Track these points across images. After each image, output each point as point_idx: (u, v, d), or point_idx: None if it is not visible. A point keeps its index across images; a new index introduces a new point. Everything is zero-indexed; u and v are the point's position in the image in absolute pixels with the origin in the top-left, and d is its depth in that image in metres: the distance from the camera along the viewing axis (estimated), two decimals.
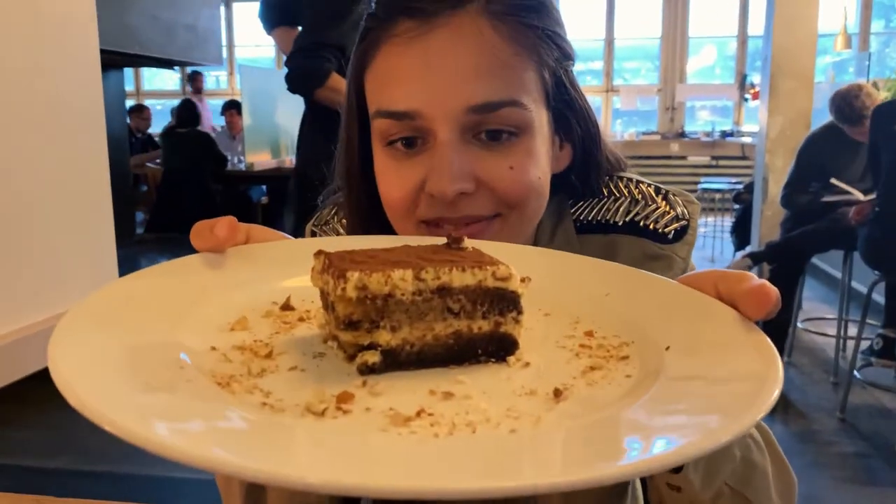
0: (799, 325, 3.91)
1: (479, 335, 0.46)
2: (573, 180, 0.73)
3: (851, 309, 3.73)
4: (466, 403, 0.40)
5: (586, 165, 0.72)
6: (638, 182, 0.75)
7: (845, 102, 3.33)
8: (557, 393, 0.41)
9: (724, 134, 9.19)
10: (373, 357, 0.44)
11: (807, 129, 4.03)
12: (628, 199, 0.73)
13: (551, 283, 0.53)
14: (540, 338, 0.48)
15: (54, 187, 1.00)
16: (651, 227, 0.72)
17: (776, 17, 4.14)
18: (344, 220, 0.78)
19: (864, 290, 3.16)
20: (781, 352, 3.34)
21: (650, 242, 0.71)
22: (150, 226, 5.81)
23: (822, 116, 4.22)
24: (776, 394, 0.37)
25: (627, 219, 0.72)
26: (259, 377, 0.42)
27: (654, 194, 0.74)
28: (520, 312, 0.46)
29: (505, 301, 0.46)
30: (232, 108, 6.83)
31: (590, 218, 0.73)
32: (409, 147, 0.62)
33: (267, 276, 0.53)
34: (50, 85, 0.97)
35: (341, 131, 0.71)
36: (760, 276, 3.01)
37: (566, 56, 0.68)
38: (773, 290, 0.44)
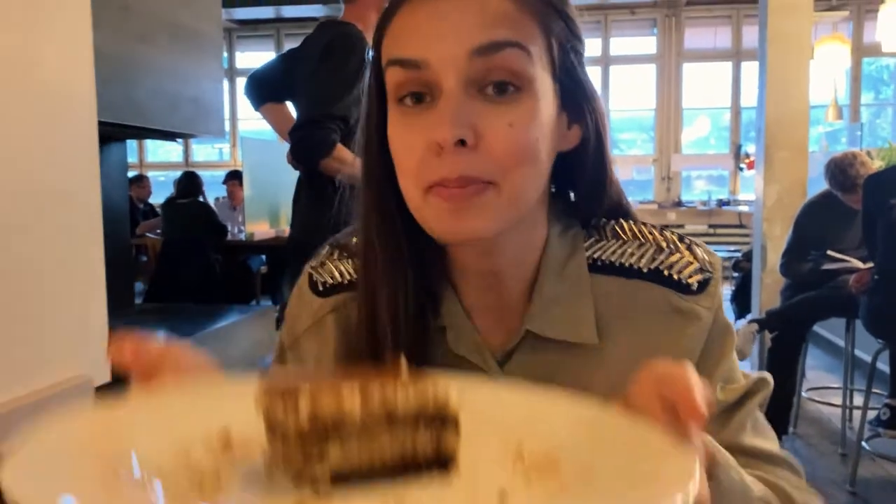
0: (804, 394, 3.86)
1: (421, 452, 0.49)
2: (588, 169, 0.71)
3: (856, 377, 3.69)
4: None
5: (599, 143, 0.70)
6: (662, 229, 0.73)
7: (839, 170, 3.37)
8: (503, 495, 0.44)
9: (721, 203, 9.28)
10: (324, 474, 0.46)
11: (803, 198, 4.06)
12: (654, 247, 0.71)
13: (481, 404, 0.54)
14: (472, 452, 0.51)
15: (46, 262, 0.99)
16: (675, 277, 0.69)
17: (768, 90, 4.23)
18: (338, 262, 0.77)
19: (867, 358, 3.13)
20: (787, 422, 3.30)
21: (674, 293, 0.69)
22: (148, 296, 5.79)
23: (818, 185, 4.26)
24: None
25: (652, 266, 0.70)
26: (215, 493, 0.44)
27: (678, 242, 0.72)
28: (458, 433, 0.50)
29: (445, 422, 0.49)
30: (233, 178, 6.91)
31: (612, 259, 0.71)
32: (418, 102, 0.63)
33: (199, 412, 0.52)
34: (47, 156, 0.97)
35: (363, 105, 0.72)
36: (762, 344, 2.95)
37: (574, 35, 0.68)
38: (704, 397, 0.46)
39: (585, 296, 0.68)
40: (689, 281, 0.69)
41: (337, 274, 0.76)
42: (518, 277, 0.70)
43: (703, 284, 0.69)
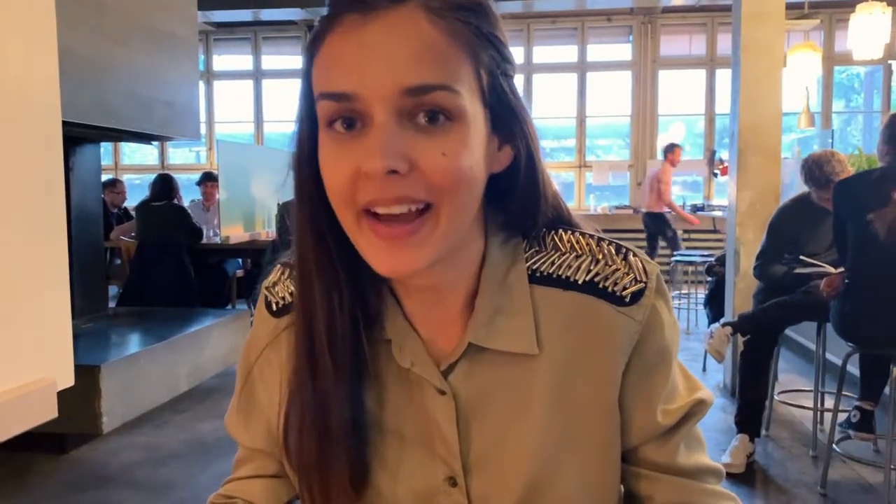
0: (776, 397, 3.91)
1: None
2: (520, 187, 0.71)
3: (827, 381, 3.74)
4: None
5: (531, 161, 0.70)
6: (599, 240, 0.74)
7: (817, 166, 3.43)
8: None
9: (695, 208, 9.37)
10: None
11: (775, 203, 4.11)
12: (590, 259, 0.72)
13: None
14: None
15: (6, 264, 0.98)
16: (610, 289, 0.71)
17: (741, 97, 4.28)
18: (289, 281, 0.78)
19: (838, 361, 3.17)
20: (759, 425, 3.34)
21: (608, 305, 0.70)
22: (122, 299, 5.71)
23: (790, 190, 4.32)
24: None
25: (587, 278, 0.71)
26: None
27: (614, 253, 0.73)
28: None
29: None
30: (207, 180, 6.84)
31: (550, 272, 0.72)
32: (350, 129, 0.62)
33: None
34: (7, 155, 0.96)
35: (295, 122, 0.71)
36: (735, 347, 2.99)
37: (504, 59, 0.68)
38: None
39: (525, 307, 0.70)
40: (623, 293, 0.71)
41: (288, 294, 0.78)
42: (459, 290, 0.71)
43: (637, 295, 0.71)
